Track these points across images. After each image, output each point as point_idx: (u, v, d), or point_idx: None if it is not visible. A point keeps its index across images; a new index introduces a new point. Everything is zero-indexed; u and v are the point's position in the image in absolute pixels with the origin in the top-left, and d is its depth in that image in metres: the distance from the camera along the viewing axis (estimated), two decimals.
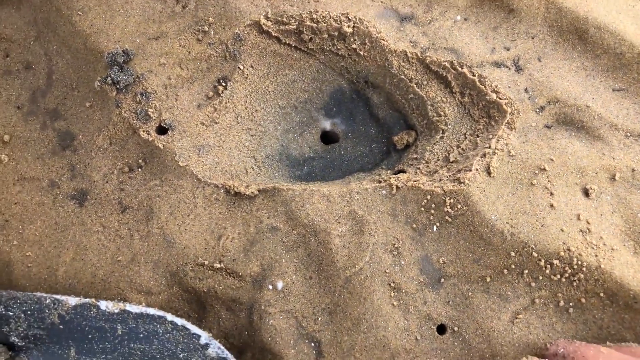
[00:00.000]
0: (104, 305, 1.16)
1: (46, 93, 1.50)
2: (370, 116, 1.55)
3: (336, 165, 1.53)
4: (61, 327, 1.15)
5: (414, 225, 1.25)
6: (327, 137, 1.58)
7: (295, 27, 1.46)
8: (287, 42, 1.48)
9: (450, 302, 1.22)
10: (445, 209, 1.23)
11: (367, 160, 1.53)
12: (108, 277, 1.30)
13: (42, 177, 1.42)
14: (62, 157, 1.44)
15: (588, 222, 1.21)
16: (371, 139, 1.55)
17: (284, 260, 1.28)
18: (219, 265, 1.28)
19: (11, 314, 1.15)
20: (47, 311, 1.15)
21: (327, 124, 1.56)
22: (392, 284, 1.23)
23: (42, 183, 1.41)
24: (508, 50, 1.40)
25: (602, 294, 1.17)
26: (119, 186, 1.39)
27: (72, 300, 1.16)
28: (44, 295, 1.17)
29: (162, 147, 1.38)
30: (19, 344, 1.17)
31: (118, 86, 1.40)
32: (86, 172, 1.41)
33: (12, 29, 1.57)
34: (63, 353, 1.16)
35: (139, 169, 1.40)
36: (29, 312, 1.15)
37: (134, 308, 1.17)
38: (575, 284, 1.17)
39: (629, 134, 1.30)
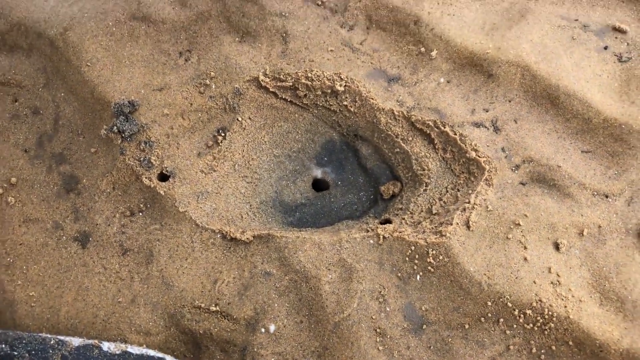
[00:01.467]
0: (106, 346, 1.23)
1: (52, 138, 1.58)
2: (359, 166, 1.66)
3: (326, 212, 1.63)
4: None
5: (399, 274, 1.35)
6: (318, 185, 1.68)
7: (291, 84, 1.57)
8: (283, 97, 1.59)
9: (432, 347, 1.30)
10: (428, 260, 1.33)
11: (355, 208, 1.63)
12: (109, 318, 1.36)
13: (47, 219, 1.49)
14: (67, 200, 1.51)
15: (558, 275, 1.31)
16: (359, 188, 1.65)
17: (276, 305, 1.36)
18: (214, 308, 1.36)
19: (16, 353, 1.20)
20: (50, 351, 1.21)
21: (318, 173, 1.66)
22: (378, 330, 1.31)
23: (47, 225, 1.48)
24: (487, 111, 1.52)
25: (570, 343, 1.27)
26: (121, 229, 1.47)
27: (76, 341, 1.22)
28: (49, 336, 1.23)
29: (163, 194, 1.46)
30: None
31: (123, 135, 1.49)
32: (89, 215, 1.49)
33: (22, 75, 1.66)
34: None
35: (140, 214, 1.48)
36: (33, 352, 1.21)
37: (135, 349, 1.24)
38: (546, 332, 1.27)
39: (595, 193, 1.42)
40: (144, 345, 1.32)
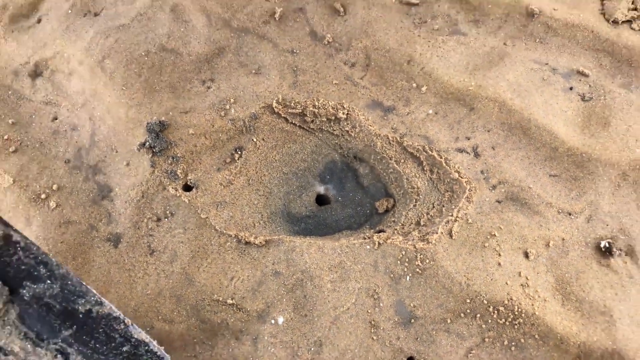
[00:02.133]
0: (132, 328, 1.38)
1: (89, 151, 1.80)
2: (357, 184, 1.88)
3: (327, 223, 1.84)
4: (80, 316, 1.28)
5: (391, 275, 1.56)
6: (321, 200, 1.90)
7: (300, 111, 1.81)
8: (293, 122, 1.83)
9: (418, 339, 1.51)
10: (417, 263, 1.55)
11: (353, 220, 1.85)
12: (139, 308, 1.56)
13: (83, 221, 1.69)
14: (101, 206, 1.72)
15: (527, 278, 1.53)
16: (357, 203, 1.87)
17: (284, 300, 1.56)
18: (230, 302, 1.56)
19: (50, 282, 1.26)
20: (81, 301, 1.32)
21: (321, 189, 1.88)
22: (372, 322, 1.52)
23: (83, 227, 1.68)
24: (469, 139, 1.76)
25: (536, 336, 1.48)
26: (148, 232, 1.67)
27: (113, 311, 1.35)
28: (93, 290, 1.36)
29: (187, 202, 1.68)
30: (24, 297, 1.26)
31: (154, 150, 1.71)
32: (121, 219, 1.69)
33: (62, 96, 1.88)
34: (55, 328, 1.28)
35: (166, 219, 1.69)
36: (66, 291, 1.29)
37: (152, 344, 1.38)
38: (516, 326, 1.48)
39: (560, 211, 1.65)
40: (170, 333, 1.51)
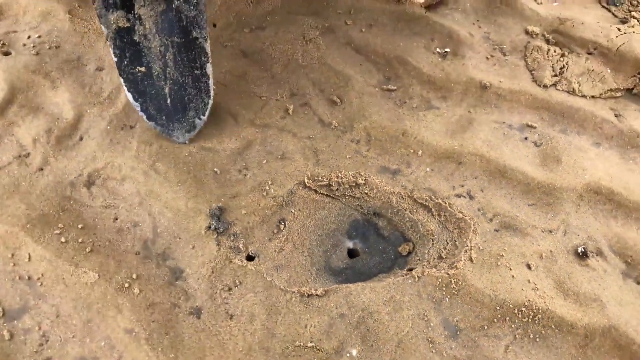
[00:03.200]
0: (209, 65, 2.12)
1: (155, 242, 2.08)
2: (379, 236, 2.29)
3: (362, 271, 2.21)
4: (189, 37, 2.01)
5: (434, 300, 1.95)
6: (352, 253, 2.27)
7: (326, 183, 2.22)
8: (321, 192, 2.23)
9: (466, 346, 1.89)
10: (451, 286, 1.95)
11: (382, 265, 2.23)
12: None
13: (165, 301, 1.95)
14: (176, 286, 1.99)
15: (535, 284, 1.98)
16: (382, 251, 2.26)
17: (353, 335, 1.89)
18: (310, 345, 1.86)
19: (192, 8, 1.96)
20: (197, 30, 2.01)
21: (350, 244, 2.26)
22: (429, 339, 1.88)
23: (166, 305, 1.94)
24: (462, 186, 2.25)
25: (552, 326, 1.90)
26: (224, 301, 1.96)
27: (207, 50, 2.07)
28: (206, 31, 2.02)
29: (253, 269, 2.00)
30: (173, 3, 1.94)
31: (218, 231, 2.04)
32: (197, 294, 1.97)
33: (119, 199, 2.17)
34: (173, 33, 2.00)
35: (236, 287, 1.99)
36: (195, 20, 1.98)
37: (211, 81, 2.17)
38: (537, 321, 1.91)
39: (543, 230, 2.14)
40: None
